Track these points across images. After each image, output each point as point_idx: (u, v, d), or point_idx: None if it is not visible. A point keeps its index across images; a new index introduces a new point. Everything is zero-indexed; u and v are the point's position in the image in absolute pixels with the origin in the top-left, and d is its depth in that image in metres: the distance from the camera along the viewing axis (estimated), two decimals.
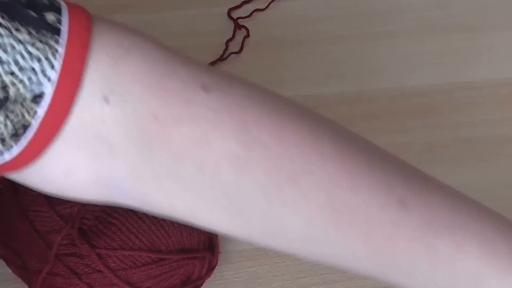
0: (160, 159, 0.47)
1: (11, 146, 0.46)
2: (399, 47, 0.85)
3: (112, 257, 0.61)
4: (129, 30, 0.49)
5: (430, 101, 0.80)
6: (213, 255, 0.65)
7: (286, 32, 0.86)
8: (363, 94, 0.81)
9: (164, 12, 0.87)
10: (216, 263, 0.66)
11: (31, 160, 0.47)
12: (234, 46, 0.84)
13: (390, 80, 0.82)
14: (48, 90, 0.45)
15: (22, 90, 0.45)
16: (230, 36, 0.85)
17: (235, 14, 0.87)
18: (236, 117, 0.47)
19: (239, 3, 0.87)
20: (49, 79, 0.45)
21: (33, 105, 0.45)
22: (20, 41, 0.45)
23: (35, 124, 0.46)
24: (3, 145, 0.46)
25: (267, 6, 0.87)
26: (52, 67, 0.45)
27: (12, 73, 0.45)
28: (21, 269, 0.65)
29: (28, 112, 0.46)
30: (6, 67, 0.45)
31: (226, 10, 0.87)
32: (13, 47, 0.45)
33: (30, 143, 0.46)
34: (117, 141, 0.47)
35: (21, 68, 0.45)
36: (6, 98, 0.45)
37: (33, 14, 0.46)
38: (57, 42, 0.46)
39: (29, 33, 0.45)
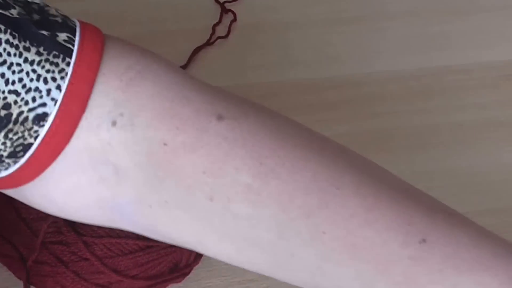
0: (169, 187, 0.46)
1: (9, 165, 0.46)
2: (388, 31, 0.84)
3: (99, 244, 0.60)
4: (142, 52, 0.48)
5: (419, 85, 0.80)
6: None
7: (273, 16, 0.85)
8: (352, 78, 0.80)
9: None
10: None
11: (30, 179, 0.47)
12: (221, 31, 0.83)
13: (379, 64, 0.81)
14: (52, 111, 0.45)
15: (24, 109, 0.44)
16: (217, 20, 0.84)
17: None
18: (250, 147, 0.45)
19: None
20: (54, 100, 0.45)
21: (34, 125, 0.45)
22: (28, 61, 0.44)
23: (35, 144, 0.45)
24: (0, 162, 0.46)
25: None
26: (59, 88, 0.45)
27: (17, 92, 0.44)
28: (6, 258, 0.64)
29: (29, 132, 0.45)
30: (10, 86, 0.44)
31: None
32: (20, 67, 0.44)
33: (29, 163, 0.46)
34: (124, 166, 0.46)
35: (25, 88, 0.44)
36: (9, 117, 0.44)
37: (46, 33, 0.45)
38: (66, 63, 0.45)
39: (39, 54, 0.44)
